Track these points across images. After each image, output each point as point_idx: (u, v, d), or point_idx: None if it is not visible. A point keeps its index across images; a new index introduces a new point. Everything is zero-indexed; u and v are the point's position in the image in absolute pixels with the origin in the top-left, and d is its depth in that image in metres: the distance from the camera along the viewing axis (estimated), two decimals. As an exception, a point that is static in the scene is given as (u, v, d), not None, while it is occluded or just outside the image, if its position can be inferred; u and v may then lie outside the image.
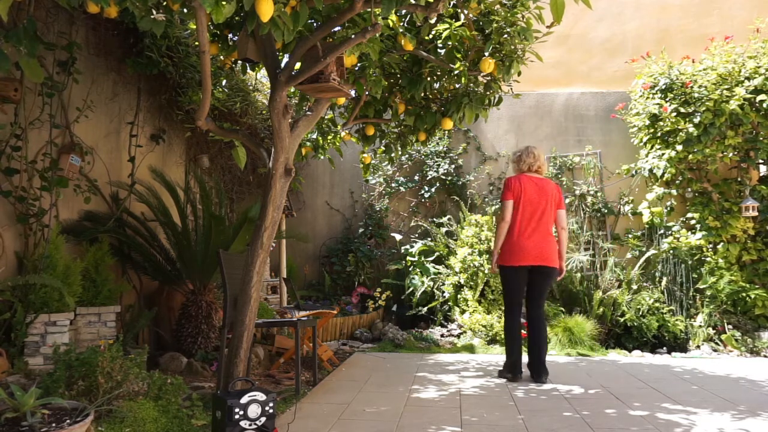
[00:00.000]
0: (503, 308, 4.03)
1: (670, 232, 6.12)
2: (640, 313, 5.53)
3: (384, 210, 6.97)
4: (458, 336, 5.74)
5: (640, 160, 6.29)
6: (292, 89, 4.02)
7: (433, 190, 6.86)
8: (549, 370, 4.15)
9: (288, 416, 2.98)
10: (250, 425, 2.35)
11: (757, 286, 5.51)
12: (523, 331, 4.28)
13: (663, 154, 5.84)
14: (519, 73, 3.58)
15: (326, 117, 4.52)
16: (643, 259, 6.00)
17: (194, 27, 4.41)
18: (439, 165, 6.84)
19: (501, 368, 4.10)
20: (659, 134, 5.85)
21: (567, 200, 6.56)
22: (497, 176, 6.86)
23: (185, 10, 2.63)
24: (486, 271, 5.81)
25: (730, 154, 5.66)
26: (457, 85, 3.88)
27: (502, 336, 5.46)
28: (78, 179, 3.78)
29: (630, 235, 6.33)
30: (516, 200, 3.90)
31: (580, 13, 6.78)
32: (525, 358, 4.09)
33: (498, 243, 3.98)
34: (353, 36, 2.75)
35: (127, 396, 2.64)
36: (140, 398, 2.68)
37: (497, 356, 5.01)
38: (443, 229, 6.57)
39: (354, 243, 6.85)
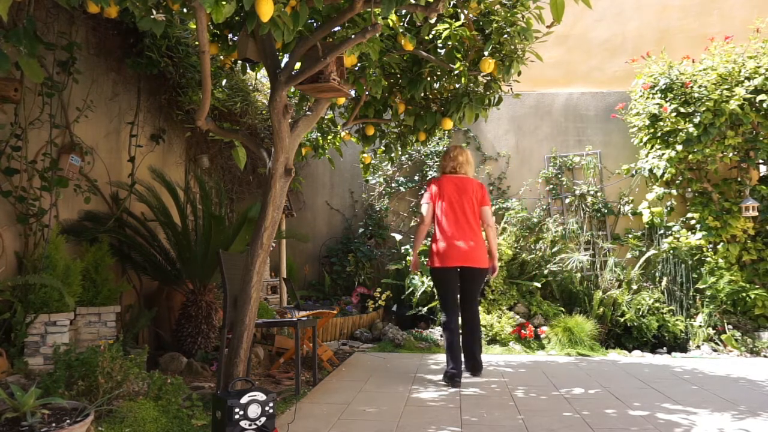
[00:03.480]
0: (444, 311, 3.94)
1: (670, 232, 6.12)
2: (640, 313, 5.53)
3: (384, 210, 6.97)
4: (458, 336, 5.73)
5: (640, 160, 6.29)
6: (292, 89, 4.02)
7: (433, 190, 6.85)
8: (549, 370, 4.16)
9: (288, 416, 2.98)
10: (250, 425, 2.35)
11: (757, 286, 5.51)
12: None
13: (663, 154, 5.84)
14: (519, 73, 3.58)
15: (326, 117, 4.51)
16: (643, 259, 6.00)
17: (194, 27, 4.41)
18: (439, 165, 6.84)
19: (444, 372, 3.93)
20: (659, 134, 5.85)
21: (567, 200, 6.57)
22: (497, 176, 6.86)
23: (185, 10, 2.63)
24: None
25: (730, 154, 5.66)
26: (457, 85, 3.88)
27: (502, 336, 5.47)
28: (78, 179, 3.78)
29: (630, 235, 6.33)
30: (435, 202, 3.90)
31: (580, 13, 6.78)
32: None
33: (415, 245, 4.03)
34: (353, 36, 2.75)
35: (127, 396, 2.64)
36: (140, 398, 2.68)
37: (497, 356, 5.01)
38: (443, 229, 6.56)
39: (354, 243, 6.84)
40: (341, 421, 2.90)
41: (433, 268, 3.89)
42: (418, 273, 4.06)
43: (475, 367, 3.96)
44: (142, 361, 3.00)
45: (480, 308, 5.74)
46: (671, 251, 5.91)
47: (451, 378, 3.70)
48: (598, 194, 6.51)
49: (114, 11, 2.59)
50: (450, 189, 3.89)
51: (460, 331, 3.89)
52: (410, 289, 6.21)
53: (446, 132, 6.43)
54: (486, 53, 3.43)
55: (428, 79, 3.75)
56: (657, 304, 5.59)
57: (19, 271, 3.26)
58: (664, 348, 5.40)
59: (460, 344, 3.82)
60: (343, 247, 6.90)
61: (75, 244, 3.76)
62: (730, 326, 5.36)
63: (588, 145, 6.68)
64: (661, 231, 6.17)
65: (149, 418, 2.54)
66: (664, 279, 5.82)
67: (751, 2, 6.58)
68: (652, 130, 5.91)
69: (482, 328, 5.54)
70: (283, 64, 3.27)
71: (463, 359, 3.92)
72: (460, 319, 3.89)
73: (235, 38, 3.39)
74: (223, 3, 2.18)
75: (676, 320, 5.48)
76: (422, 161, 6.97)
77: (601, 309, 5.63)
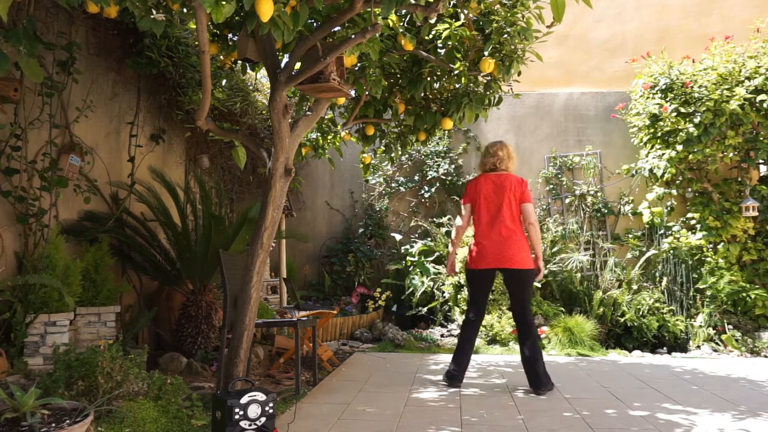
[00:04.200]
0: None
1: (670, 232, 6.12)
2: (640, 313, 5.53)
3: (384, 210, 6.97)
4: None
5: (640, 160, 6.29)
6: (292, 89, 4.02)
7: (433, 190, 6.86)
8: (549, 370, 4.13)
9: (288, 416, 2.98)
10: (250, 425, 2.35)
11: (757, 286, 5.51)
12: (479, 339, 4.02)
13: (663, 154, 5.84)
14: (519, 73, 3.58)
15: (326, 117, 4.51)
16: (643, 259, 6.00)
17: (194, 27, 4.41)
18: (439, 165, 6.84)
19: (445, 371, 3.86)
20: (659, 134, 5.85)
21: (567, 200, 6.57)
22: (497, 176, 6.85)
23: (185, 10, 2.63)
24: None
25: (731, 154, 5.66)
26: (457, 85, 3.88)
27: (502, 336, 5.47)
28: (78, 179, 3.77)
29: (630, 235, 6.33)
30: (473, 203, 3.77)
31: (580, 13, 6.78)
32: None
33: (453, 248, 3.89)
34: (353, 36, 2.75)
35: (126, 396, 2.64)
36: (140, 398, 2.68)
37: (497, 356, 5.01)
38: (443, 229, 6.57)
39: (354, 243, 6.84)
40: (341, 421, 2.90)
41: (467, 269, 3.77)
42: (453, 275, 3.96)
43: (536, 382, 3.51)
44: (142, 361, 3.00)
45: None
46: (671, 251, 5.91)
47: (451, 378, 3.68)
48: (598, 194, 6.51)
49: (114, 11, 2.59)
50: (487, 188, 3.72)
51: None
52: (410, 289, 6.21)
53: (446, 132, 6.43)
54: (486, 53, 3.43)
55: (428, 79, 3.75)
56: (657, 304, 5.59)
57: (19, 271, 3.26)
58: (664, 348, 5.39)
59: (472, 346, 3.69)
60: (343, 247, 6.90)
61: (75, 244, 3.76)
62: (731, 326, 5.36)
63: (588, 145, 6.68)
64: (661, 231, 6.17)
65: (149, 418, 2.54)
66: (664, 279, 5.82)
67: (751, 2, 6.57)
68: (652, 130, 5.91)
69: (483, 328, 5.54)
70: (283, 64, 3.27)
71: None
72: (476, 326, 3.73)
73: (235, 38, 3.39)
74: (223, 3, 2.18)
75: (677, 320, 5.48)
76: (422, 161, 6.97)
77: (601, 309, 5.63)
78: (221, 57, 3.55)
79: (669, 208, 6.19)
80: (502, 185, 3.69)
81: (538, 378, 3.51)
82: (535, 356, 3.52)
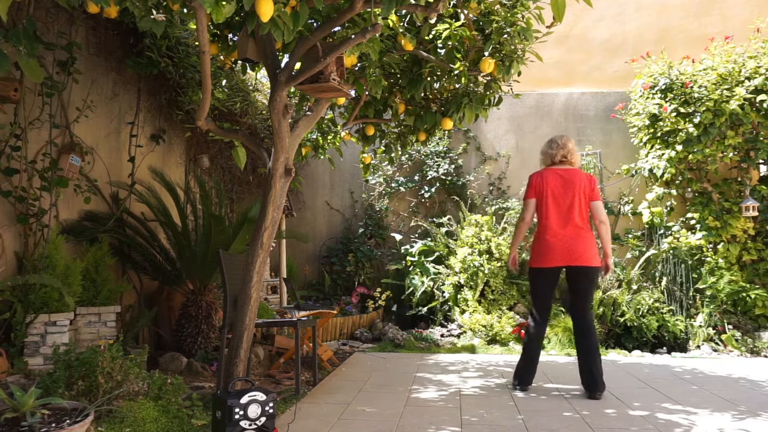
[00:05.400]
0: (531, 311, 3.75)
1: (670, 232, 6.12)
2: (640, 313, 5.53)
3: (384, 210, 6.97)
4: (458, 336, 5.73)
5: (640, 160, 6.29)
6: (292, 89, 4.02)
7: (433, 190, 6.86)
8: (549, 370, 4.14)
9: (288, 416, 2.98)
10: (250, 425, 2.35)
11: (757, 286, 5.51)
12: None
13: (663, 154, 5.84)
14: (519, 73, 3.58)
15: (326, 117, 4.52)
16: (643, 259, 6.00)
17: (194, 27, 4.41)
18: (439, 165, 6.84)
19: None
20: (659, 134, 5.85)
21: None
22: (497, 176, 6.86)
23: (185, 10, 2.63)
24: (486, 272, 5.81)
25: (730, 154, 5.66)
26: (457, 85, 3.88)
27: (502, 336, 5.46)
28: (78, 179, 3.78)
29: (630, 235, 6.33)
30: (539, 197, 3.60)
31: (580, 13, 6.78)
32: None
33: (514, 243, 3.75)
34: (353, 36, 2.75)
35: (127, 396, 2.64)
36: (140, 398, 2.68)
37: (497, 356, 5.01)
38: (443, 229, 6.57)
39: (354, 243, 6.85)
40: (341, 421, 2.90)
41: (531, 268, 3.64)
42: (515, 270, 3.86)
43: (591, 385, 3.38)
44: (142, 361, 3.00)
45: (480, 308, 5.75)
46: (671, 251, 5.91)
47: (523, 381, 3.59)
48: (598, 194, 6.51)
49: (114, 11, 2.59)
50: (555, 182, 3.56)
51: (575, 345, 3.53)
52: (410, 289, 6.21)
53: (446, 132, 6.43)
54: (486, 53, 3.43)
55: (428, 79, 3.75)
56: (657, 304, 5.59)
57: (19, 271, 3.26)
58: (664, 348, 5.40)
59: (538, 353, 3.58)
60: (343, 247, 6.90)
61: (75, 244, 3.76)
62: (730, 326, 5.36)
63: (588, 145, 6.68)
64: (661, 231, 6.17)
65: (149, 418, 2.54)
66: (664, 279, 5.82)
67: (751, 2, 6.57)
68: (652, 130, 5.91)
69: (482, 328, 5.54)
70: (283, 64, 3.27)
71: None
72: (545, 328, 3.61)
73: (235, 38, 3.39)
74: (223, 3, 2.18)
75: (676, 320, 5.48)
76: (422, 161, 6.97)
77: (601, 309, 5.63)
78: (221, 57, 3.55)
79: (669, 208, 6.19)
80: (572, 181, 3.56)
81: (594, 382, 3.38)
82: (595, 359, 3.38)
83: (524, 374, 3.61)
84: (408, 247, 6.67)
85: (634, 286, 5.87)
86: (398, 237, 6.79)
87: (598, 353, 3.40)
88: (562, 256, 3.51)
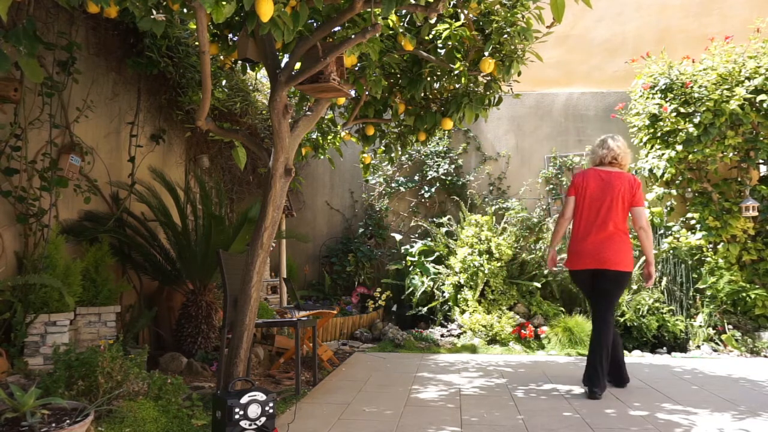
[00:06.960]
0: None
1: (670, 232, 6.12)
2: (640, 313, 5.53)
3: (384, 210, 6.97)
4: (458, 336, 5.73)
5: (640, 160, 6.29)
6: (292, 89, 4.02)
7: (433, 190, 6.86)
8: (549, 370, 4.13)
9: (288, 416, 2.98)
10: (250, 425, 2.35)
11: (757, 286, 5.51)
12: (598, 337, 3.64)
13: (663, 154, 5.84)
14: (519, 73, 3.58)
15: (326, 117, 4.52)
16: (643, 259, 5.99)
17: (194, 27, 4.41)
18: (439, 165, 6.84)
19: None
20: (659, 134, 5.85)
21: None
22: (497, 176, 6.86)
23: (185, 10, 2.63)
24: (486, 272, 5.81)
25: (730, 154, 5.66)
26: (457, 85, 3.88)
27: (502, 336, 5.46)
28: (78, 179, 3.78)
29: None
30: (579, 197, 3.57)
31: (580, 13, 6.78)
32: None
33: (553, 240, 3.74)
34: (353, 36, 2.75)
35: (127, 396, 2.64)
36: (140, 398, 2.68)
37: (497, 356, 5.01)
38: (443, 229, 6.57)
39: (354, 243, 6.85)
40: (341, 421, 2.90)
41: (569, 270, 3.65)
42: (554, 269, 3.85)
43: (593, 380, 3.37)
44: (142, 361, 3.00)
45: (480, 308, 5.75)
46: (671, 251, 5.91)
47: (588, 381, 3.44)
48: (598, 194, 6.51)
49: (114, 11, 2.59)
50: (594, 183, 3.52)
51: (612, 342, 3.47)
52: (410, 289, 6.21)
53: (446, 132, 6.44)
54: (486, 53, 3.43)
55: (428, 79, 3.75)
56: (657, 304, 5.59)
57: (19, 271, 3.26)
58: (664, 348, 5.40)
59: (608, 349, 3.43)
60: (343, 247, 6.90)
61: (75, 244, 3.76)
62: (730, 326, 5.36)
63: (588, 145, 6.67)
64: (661, 231, 6.17)
65: (149, 418, 2.54)
66: (664, 279, 5.82)
67: (751, 2, 6.58)
68: (651, 130, 5.91)
69: (482, 328, 5.54)
70: (283, 64, 3.27)
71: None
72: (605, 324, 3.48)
73: (235, 38, 3.39)
74: (223, 3, 2.18)
75: (676, 320, 5.48)
76: (422, 161, 6.98)
77: (601, 309, 5.62)
78: (221, 57, 3.55)
79: (669, 208, 6.19)
80: (611, 183, 3.49)
81: (597, 378, 3.36)
82: (601, 357, 3.36)
83: (613, 373, 3.56)
84: (408, 247, 6.67)
85: (634, 286, 5.87)
86: (398, 237, 6.79)
87: (606, 352, 3.38)
88: (591, 258, 3.48)
